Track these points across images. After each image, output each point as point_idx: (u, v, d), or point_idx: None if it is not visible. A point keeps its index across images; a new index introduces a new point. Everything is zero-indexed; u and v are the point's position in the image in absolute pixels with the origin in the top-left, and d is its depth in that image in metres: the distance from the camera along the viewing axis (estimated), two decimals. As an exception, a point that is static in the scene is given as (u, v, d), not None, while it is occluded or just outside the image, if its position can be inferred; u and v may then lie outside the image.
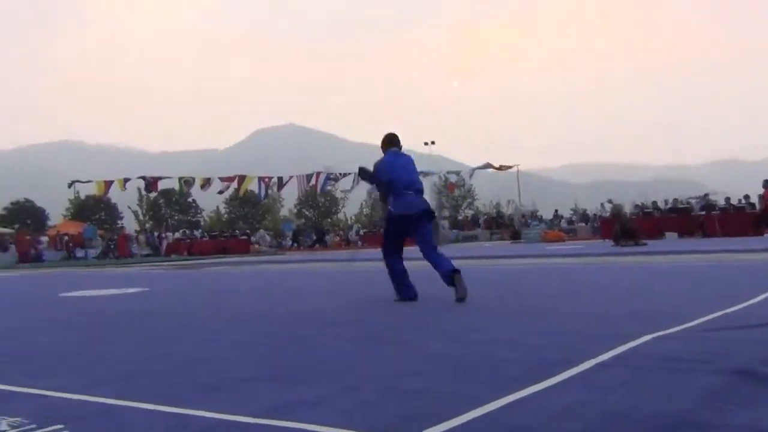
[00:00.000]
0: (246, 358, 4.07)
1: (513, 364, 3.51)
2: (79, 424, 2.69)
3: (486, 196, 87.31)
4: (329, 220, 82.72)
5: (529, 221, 41.51)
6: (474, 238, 41.46)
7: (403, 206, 7.28)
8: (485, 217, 50.24)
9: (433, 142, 45.72)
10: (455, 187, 65.34)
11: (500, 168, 46.15)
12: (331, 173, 49.28)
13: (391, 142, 7.71)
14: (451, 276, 7.03)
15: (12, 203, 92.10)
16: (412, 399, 2.88)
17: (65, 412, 2.90)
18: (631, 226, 21.70)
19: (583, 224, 38.22)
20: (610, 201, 34.16)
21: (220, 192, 42.44)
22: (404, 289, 7.40)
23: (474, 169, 46.20)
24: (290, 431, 2.49)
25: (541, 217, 44.18)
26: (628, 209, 30.36)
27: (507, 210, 67.37)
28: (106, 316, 7.22)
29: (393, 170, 7.40)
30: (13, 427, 2.70)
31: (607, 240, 24.66)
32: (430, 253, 7.32)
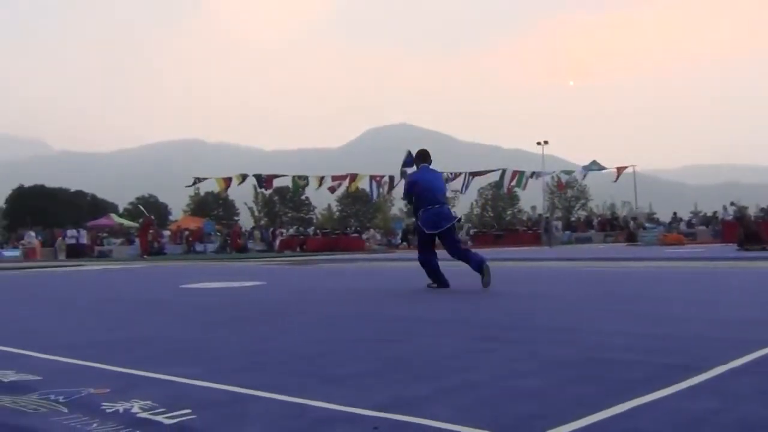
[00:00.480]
0: (363, 352, 4.11)
1: (631, 367, 3.41)
2: (205, 410, 2.78)
3: (600, 197, 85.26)
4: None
5: (646, 224, 40.24)
6: (587, 240, 40.57)
7: (432, 224, 8.65)
8: (599, 218, 49.07)
9: (546, 142, 44.94)
10: (566, 186, 64.03)
11: (615, 168, 44.91)
12: (442, 172, 49.23)
13: (423, 158, 9.08)
14: (480, 265, 8.35)
15: (137, 198, 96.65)
16: (530, 399, 2.84)
17: (191, 397, 3.00)
18: (755, 229, 20.71)
19: (704, 227, 36.76)
20: (733, 203, 32.71)
21: (332, 190, 43.04)
22: (441, 277, 8.78)
23: (587, 170, 45.15)
24: (411, 426, 2.50)
25: (658, 219, 42.74)
26: (753, 212, 28.97)
27: (622, 212, 65.56)
28: (226, 307, 7.46)
29: (423, 184, 8.75)
30: (144, 410, 2.82)
31: (729, 244, 23.62)
32: (458, 251, 8.70)
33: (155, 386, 3.27)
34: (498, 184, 41.96)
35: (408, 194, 9.01)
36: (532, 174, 39.62)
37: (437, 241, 8.87)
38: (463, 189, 44.32)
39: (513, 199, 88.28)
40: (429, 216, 8.68)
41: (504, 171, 39.98)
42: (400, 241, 45.50)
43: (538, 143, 45.49)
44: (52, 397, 3.10)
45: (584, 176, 47.08)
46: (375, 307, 7.03)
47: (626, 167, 44.73)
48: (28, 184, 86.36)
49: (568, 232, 43.08)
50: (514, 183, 39.58)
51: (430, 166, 9.14)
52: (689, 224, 39.20)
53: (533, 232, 42.95)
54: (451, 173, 45.95)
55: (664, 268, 12.83)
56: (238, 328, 5.46)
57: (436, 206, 8.66)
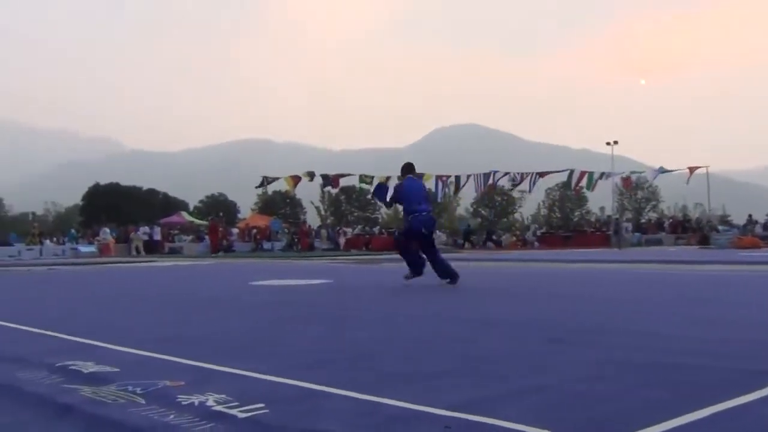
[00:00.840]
0: (432, 352, 4.11)
1: (703, 372, 3.34)
2: (277, 405, 2.82)
3: (672, 198, 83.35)
4: (505, 219, 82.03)
5: (719, 226, 39.15)
6: (658, 242, 39.69)
7: (420, 224, 9.97)
8: (670, 220, 47.93)
9: (615, 142, 44.11)
10: (631, 183, 62.64)
11: (688, 169, 43.82)
12: (509, 172, 48.76)
13: (409, 170, 10.62)
14: (453, 278, 9.78)
15: (207, 197, 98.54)
16: (601, 403, 2.79)
17: (263, 392, 3.05)
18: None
19: (782, 230, 35.55)
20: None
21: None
22: (418, 268, 10.14)
23: (658, 171, 44.17)
24: (483, 426, 2.49)
25: (732, 221, 41.53)
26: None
27: (694, 214, 63.96)
28: (294, 304, 7.55)
29: (410, 194, 10.21)
30: (219, 403, 2.87)
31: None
32: (432, 254, 10.10)
33: (228, 380, 3.33)
34: (566, 185, 41.41)
35: (392, 200, 10.94)
36: (602, 175, 38.94)
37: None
38: (530, 188, 43.84)
39: (581, 200, 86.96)
40: (423, 219, 10.04)
41: (572, 171, 39.41)
42: (461, 242, 45.25)
43: (608, 143, 44.67)
44: (130, 388, 3.19)
45: (655, 177, 46.10)
46: (441, 306, 7.02)
47: (699, 167, 43.60)
48: (103, 182, 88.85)
49: (637, 234, 42.20)
50: (582, 184, 38.98)
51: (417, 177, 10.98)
52: (765, 227, 37.97)
53: (602, 234, 42.23)
54: (517, 173, 45.58)
55: (737, 272, 12.47)
56: (306, 325, 5.52)
57: (423, 213, 10.06)
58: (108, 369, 3.65)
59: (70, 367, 3.72)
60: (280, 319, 6.05)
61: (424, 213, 10.07)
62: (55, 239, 44.82)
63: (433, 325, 5.42)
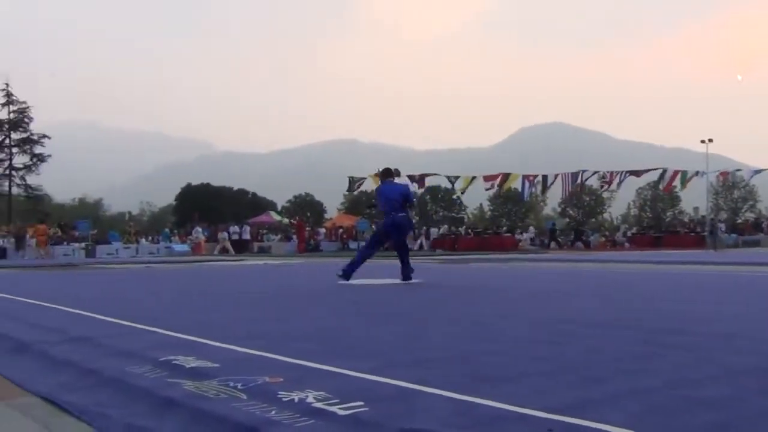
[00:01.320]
0: (529, 353, 4.07)
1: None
2: (376, 403, 2.84)
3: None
4: (594, 220, 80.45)
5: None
6: (755, 244, 38.23)
7: (388, 226, 11.14)
8: (768, 221, 46.08)
9: (710, 140, 42.67)
10: (728, 176, 60.39)
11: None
12: (598, 171, 47.72)
13: (387, 174, 11.52)
14: (408, 277, 11.01)
15: (294, 197, 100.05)
16: (708, 409, 2.70)
17: (362, 390, 3.07)
18: None
19: None
20: None
21: (491, 187, 42.65)
22: (352, 272, 11.18)
23: (755, 171, 42.48)
24: (586, 430, 2.44)
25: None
26: None
27: (795, 214, 61.20)
28: (385, 303, 7.61)
29: (384, 197, 11.14)
30: (319, 400, 2.91)
31: None
32: (403, 255, 11.23)
33: (326, 378, 3.37)
34: (657, 184, 40.31)
35: (371, 204, 12.54)
36: (696, 173, 37.75)
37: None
38: (617, 187, 42.77)
39: (673, 199, 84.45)
40: (391, 221, 11.04)
41: (664, 171, 38.35)
42: (547, 242, 44.54)
43: (702, 141, 43.27)
44: (231, 384, 3.26)
45: (752, 176, 44.38)
46: (535, 307, 6.94)
47: (801, 166, 41.74)
48: (195, 182, 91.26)
49: (733, 235, 40.76)
50: (675, 183, 37.88)
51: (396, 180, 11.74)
52: None
53: (696, 235, 40.93)
54: (607, 172, 44.60)
55: None
56: (399, 324, 5.54)
57: (394, 215, 10.97)
58: (209, 364, 3.75)
59: (173, 362, 3.83)
60: (372, 317, 6.10)
61: (396, 215, 11.00)
62: (150, 238, 46.34)
63: (525, 327, 5.36)
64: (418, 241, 41.62)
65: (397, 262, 11.33)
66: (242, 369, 3.61)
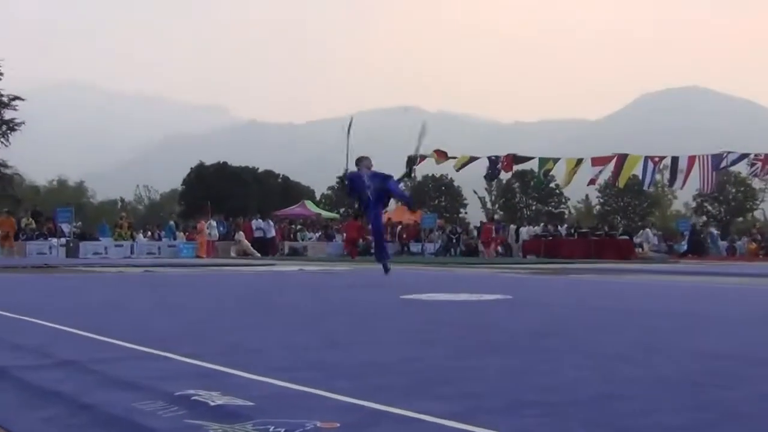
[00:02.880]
0: (672, 397, 3.99)
1: None
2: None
3: None
4: (741, 219, 79.09)
5: None
6: None
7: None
8: None
9: None
10: None
11: None
12: (748, 154, 46.77)
13: (358, 162, 15.05)
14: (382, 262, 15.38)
15: (338, 180, 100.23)
16: None
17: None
18: None
19: None
20: None
21: (592, 182, 42.19)
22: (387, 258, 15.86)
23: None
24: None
25: None
26: None
27: None
28: (468, 326, 7.56)
29: (355, 183, 14.95)
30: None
31: None
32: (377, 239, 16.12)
33: (396, 424, 3.34)
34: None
35: (348, 190, 16.17)
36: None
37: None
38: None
39: None
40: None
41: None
42: (686, 247, 43.93)
43: None
44: (272, 429, 3.25)
45: None
46: (670, 337, 6.82)
47: None
48: (208, 161, 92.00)
49: None
50: None
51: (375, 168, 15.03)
52: None
53: None
54: (759, 155, 43.67)
55: None
56: (491, 356, 5.48)
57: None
58: (239, 402, 3.74)
59: (193, 398, 3.83)
60: (454, 345, 6.04)
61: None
62: (149, 233, 46.90)
63: (665, 361, 5.25)
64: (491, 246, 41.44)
65: (475, 273, 11.30)
66: (284, 409, 3.59)
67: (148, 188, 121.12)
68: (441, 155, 40.87)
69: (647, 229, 50.43)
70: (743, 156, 43.10)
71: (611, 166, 41.51)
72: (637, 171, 44.25)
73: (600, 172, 42.48)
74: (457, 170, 42.15)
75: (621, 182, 43.66)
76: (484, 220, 59.75)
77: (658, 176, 45.24)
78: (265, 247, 40.64)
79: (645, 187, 68.65)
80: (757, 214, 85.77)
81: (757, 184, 79.80)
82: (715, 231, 53.48)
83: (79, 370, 4.78)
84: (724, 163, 41.73)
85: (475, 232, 46.54)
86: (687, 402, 3.90)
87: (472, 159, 41.58)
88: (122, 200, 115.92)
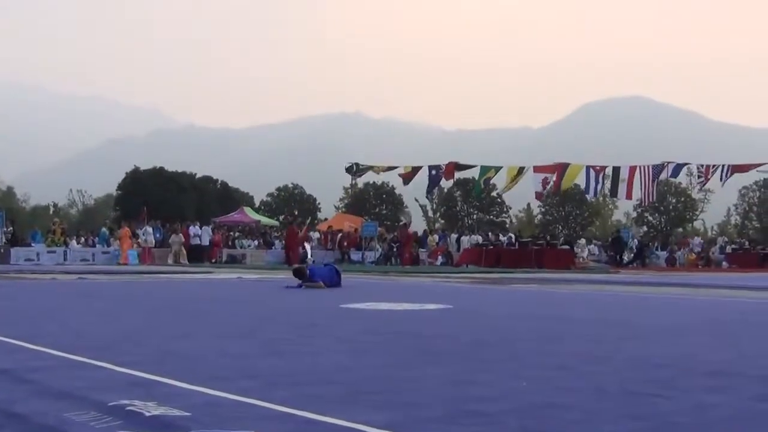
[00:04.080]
0: (612, 408, 4.04)
1: None
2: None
3: None
4: (681, 229, 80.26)
5: None
6: None
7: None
8: None
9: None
10: None
11: None
12: (688, 164, 47.52)
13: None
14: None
15: (278, 189, 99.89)
16: None
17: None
18: None
19: None
20: None
21: (538, 196, 42.32)
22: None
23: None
24: None
25: None
26: None
27: None
28: (408, 336, 7.58)
29: None
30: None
31: None
32: None
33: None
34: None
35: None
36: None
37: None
38: (718, 182, 42.57)
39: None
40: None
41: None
42: (631, 258, 44.33)
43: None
44: (209, 440, 3.25)
45: None
46: (610, 347, 6.92)
47: None
48: (144, 165, 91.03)
49: None
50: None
51: None
52: None
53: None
54: (700, 166, 44.46)
55: None
56: (430, 366, 5.50)
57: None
58: (176, 412, 3.73)
59: (127, 408, 3.82)
60: (393, 355, 6.08)
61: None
62: (83, 239, 46.31)
63: (604, 371, 5.33)
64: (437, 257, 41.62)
65: (410, 281, 11.34)
66: (223, 420, 3.60)
67: (82, 192, 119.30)
68: (379, 169, 40.88)
69: (583, 240, 51.13)
70: (682, 165, 43.88)
71: (554, 176, 41.97)
72: (580, 180, 44.86)
73: (548, 186, 42.82)
74: (406, 185, 42.33)
75: (564, 186, 44.11)
76: (426, 228, 59.93)
77: (600, 185, 45.69)
78: (202, 254, 40.32)
79: (590, 197, 69.52)
80: (697, 224, 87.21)
81: (696, 194, 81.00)
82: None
83: (11, 379, 4.73)
84: (664, 174, 42.48)
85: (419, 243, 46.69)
86: (624, 411, 3.96)
87: (415, 169, 41.75)
88: (55, 205, 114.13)
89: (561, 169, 41.87)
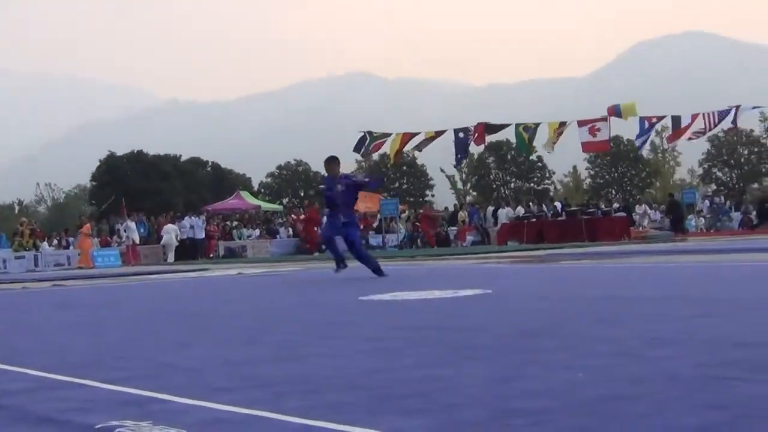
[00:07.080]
0: (695, 398, 4.04)
1: None
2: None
3: None
4: (757, 185, 79.78)
5: None
6: None
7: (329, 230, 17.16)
8: None
9: None
10: None
11: None
12: (760, 107, 47.02)
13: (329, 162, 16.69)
14: (377, 270, 16.01)
15: (279, 168, 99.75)
16: None
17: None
18: None
19: None
20: None
21: (589, 145, 41.98)
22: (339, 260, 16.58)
23: None
24: None
25: None
26: None
27: None
28: (444, 329, 7.54)
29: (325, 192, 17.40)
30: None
31: None
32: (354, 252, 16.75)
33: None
34: None
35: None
36: None
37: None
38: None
39: None
40: (326, 223, 17.95)
41: None
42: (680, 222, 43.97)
43: None
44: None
45: None
46: (679, 327, 6.90)
47: None
48: (121, 150, 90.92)
49: None
50: None
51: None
52: None
53: None
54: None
55: None
56: (470, 361, 5.49)
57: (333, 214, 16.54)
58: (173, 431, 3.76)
59: (117, 430, 3.84)
60: (426, 352, 6.05)
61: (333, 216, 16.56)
62: (55, 241, 46.51)
63: (680, 354, 5.32)
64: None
65: (440, 264, 11.38)
66: (227, 438, 3.62)
67: (51, 186, 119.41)
68: (403, 139, 40.57)
69: (644, 204, 50.88)
70: (756, 108, 43.37)
71: (606, 128, 41.38)
72: (632, 129, 44.13)
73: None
74: (420, 150, 42.09)
75: (625, 115, 42.85)
76: (456, 203, 59.80)
77: (656, 139, 45.35)
78: (192, 249, 40.43)
79: (639, 150, 68.82)
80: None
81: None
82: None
83: (-19, 404, 4.77)
84: (732, 119, 42.05)
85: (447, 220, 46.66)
86: (700, 400, 3.95)
87: (438, 134, 41.43)
88: (20, 202, 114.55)
89: (612, 113, 40.89)
